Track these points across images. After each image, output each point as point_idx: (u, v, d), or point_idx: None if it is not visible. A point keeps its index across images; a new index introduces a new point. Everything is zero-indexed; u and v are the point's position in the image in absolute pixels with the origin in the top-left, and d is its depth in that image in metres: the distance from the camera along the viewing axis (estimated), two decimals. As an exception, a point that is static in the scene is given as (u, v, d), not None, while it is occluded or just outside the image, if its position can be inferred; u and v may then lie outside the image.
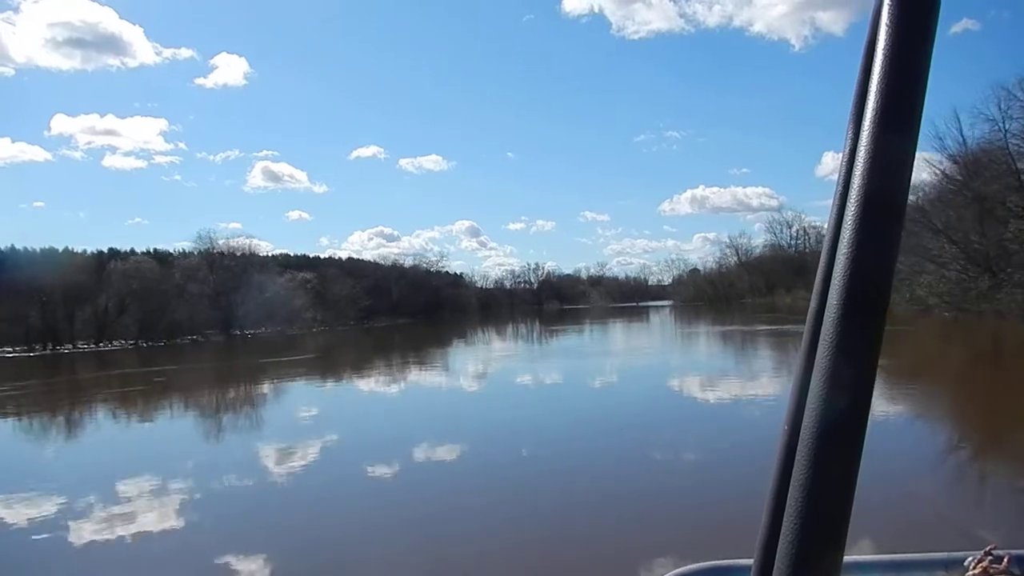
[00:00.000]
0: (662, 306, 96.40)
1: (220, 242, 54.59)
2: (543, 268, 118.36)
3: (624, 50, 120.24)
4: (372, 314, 74.95)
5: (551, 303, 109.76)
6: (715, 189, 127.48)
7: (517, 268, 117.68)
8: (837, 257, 0.42)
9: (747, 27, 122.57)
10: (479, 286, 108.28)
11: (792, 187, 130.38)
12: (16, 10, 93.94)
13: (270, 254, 77.02)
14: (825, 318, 0.42)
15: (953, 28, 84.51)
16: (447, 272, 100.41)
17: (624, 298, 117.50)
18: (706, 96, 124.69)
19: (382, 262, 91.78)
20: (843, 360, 0.40)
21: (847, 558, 0.40)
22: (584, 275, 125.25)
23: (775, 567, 0.41)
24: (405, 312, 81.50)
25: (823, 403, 0.41)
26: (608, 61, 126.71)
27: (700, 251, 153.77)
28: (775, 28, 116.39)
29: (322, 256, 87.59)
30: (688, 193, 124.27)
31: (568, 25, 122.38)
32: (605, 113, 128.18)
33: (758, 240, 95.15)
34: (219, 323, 46.88)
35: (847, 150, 0.47)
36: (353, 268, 79.49)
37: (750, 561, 0.49)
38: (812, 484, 0.40)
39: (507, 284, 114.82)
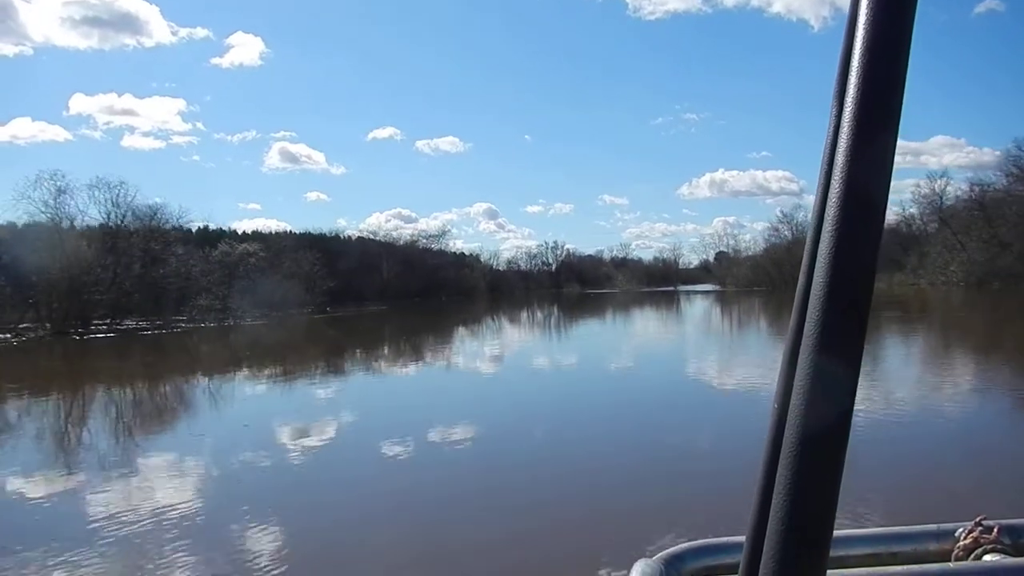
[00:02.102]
0: (703, 291, 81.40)
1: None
2: (562, 247, 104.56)
3: (641, 31, 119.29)
4: (357, 298, 61.27)
5: (571, 286, 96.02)
6: (734, 173, 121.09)
7: (534, 247, 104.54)
8: (819, 250, 0.43)
9: (766, 7, 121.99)
10: (491, 266, 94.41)
11: (812, 171, 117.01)
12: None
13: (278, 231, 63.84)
14: (808, 311, 0.43)
15: (977, 9, 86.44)
16: (449, 251, 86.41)
17: (652, 281, 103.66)
18: (724, 78, 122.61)
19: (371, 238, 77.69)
20: (828, 352, 0.41)
21: (837, 532, 0.41)
22: (607, 256, 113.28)
23: (765, 543, 0.42)
24: (396, 295, 67.81)
25: (809, 393, 0.41)
26: (625, 42, 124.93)
27: (720, 234, 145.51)
28: (794, 9, 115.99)
29: (327, 235, 73.41)
30: (707, 177, 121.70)
31: (584, 5, 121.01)
32: (622, 95, 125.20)
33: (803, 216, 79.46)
34: (76, 312, 32.69)
35: (828, 143, 0.46)
36: (324, 244, 65.34)
37: (742, 538, 0.50)
38: (802, 460, 0.41)
39: (522, 264, 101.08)
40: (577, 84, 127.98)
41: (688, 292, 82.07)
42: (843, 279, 0.41)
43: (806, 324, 0.43)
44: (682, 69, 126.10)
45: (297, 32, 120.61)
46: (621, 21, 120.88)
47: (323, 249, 61.94)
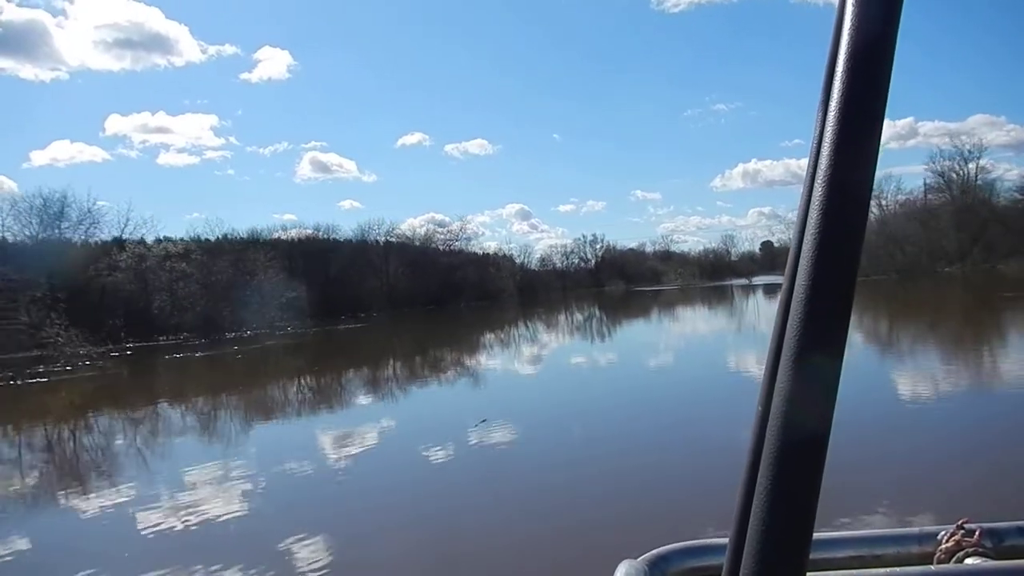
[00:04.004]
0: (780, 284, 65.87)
1: None
2: (602, 240, 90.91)
3: (666, 24, 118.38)
4: (353, 308, 48.53)
5: (615, 283, 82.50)
6: (767, 162, 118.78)
7: (570, 244, 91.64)
8: (803, 251, 0.43)
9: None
10: (522, 264, 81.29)
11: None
12: (66, 14, 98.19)
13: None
14: (793, 302, 0.43)
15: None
16: (470, 250, 73.07)
17: (704, 275, 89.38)
18: (753, 67, 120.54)
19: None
20: (810, 353, 0.41)
21: (818, 534, 0.40)
22: (649, 249, 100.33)
23: (746, 543, 0.42)
24: (403, 303, 54.92)
25: (791, 394, 0.41)
26: (650, 36, 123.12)
27: (755, 226, 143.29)
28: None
29: (295, 237, 60.36)
30: (740, 168, 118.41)
31: (607, 1, 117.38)
32: (650, 89, 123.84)
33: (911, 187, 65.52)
34: None
35: (816, 135, 0.46)
36: (305, 246, 52.51)
37: (726, 539, 0.49)
38: (783, 461, 0.41)
39: (557, 262, 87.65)
40: (604, 80, 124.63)
41: (762, 286, 67.03)
42: (826, 280, 0.42)
43: (788, 324, 0.43)
44: (710, 60, 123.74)
45: (322, 43, 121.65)
46: (645, 15, 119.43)
47: (305, 251, 49.25)
